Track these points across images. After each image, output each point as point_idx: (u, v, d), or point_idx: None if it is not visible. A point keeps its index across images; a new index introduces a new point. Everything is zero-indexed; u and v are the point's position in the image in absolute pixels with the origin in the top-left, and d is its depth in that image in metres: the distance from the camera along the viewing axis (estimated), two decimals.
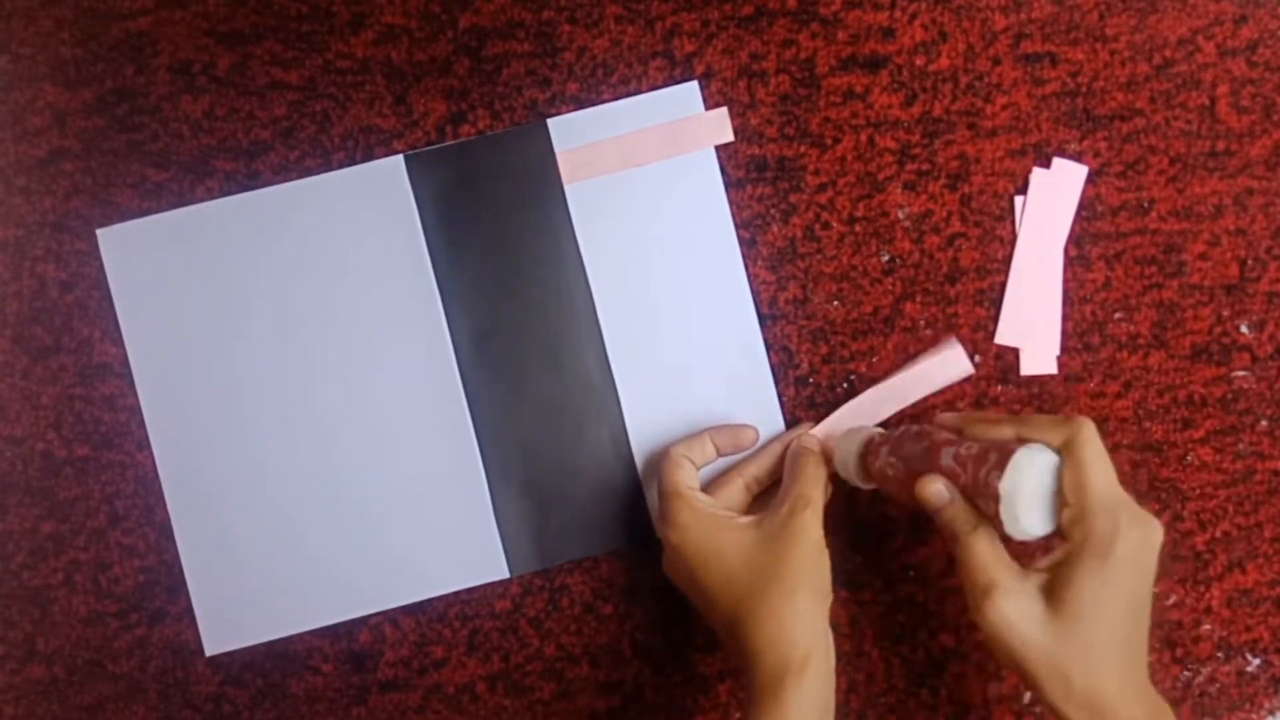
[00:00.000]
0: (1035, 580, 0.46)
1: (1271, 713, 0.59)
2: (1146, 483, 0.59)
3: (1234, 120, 0.60)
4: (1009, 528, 0.45)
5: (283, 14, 0.59)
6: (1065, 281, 0.59)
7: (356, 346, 0.58)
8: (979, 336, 0.59)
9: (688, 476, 0.54)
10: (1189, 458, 0.59)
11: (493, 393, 0.58)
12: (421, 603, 0.58)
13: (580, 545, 0.58)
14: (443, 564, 0.58)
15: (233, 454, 0.58)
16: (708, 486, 0.55)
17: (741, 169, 0.59)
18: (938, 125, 0.59)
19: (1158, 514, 0.59)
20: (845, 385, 0.59)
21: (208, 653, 0.58)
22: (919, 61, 0.59)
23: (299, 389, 0.58)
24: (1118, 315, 0.59)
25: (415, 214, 0.58)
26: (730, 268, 0.59)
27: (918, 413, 0.58)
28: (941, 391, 0.58)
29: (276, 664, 0.58)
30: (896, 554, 0.59)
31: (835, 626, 0.58)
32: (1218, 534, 0.59)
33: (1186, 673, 0.59)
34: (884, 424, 0.57)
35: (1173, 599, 0.59)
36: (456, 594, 0.58)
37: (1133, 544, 0.44)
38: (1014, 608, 0.45)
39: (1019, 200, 0.59)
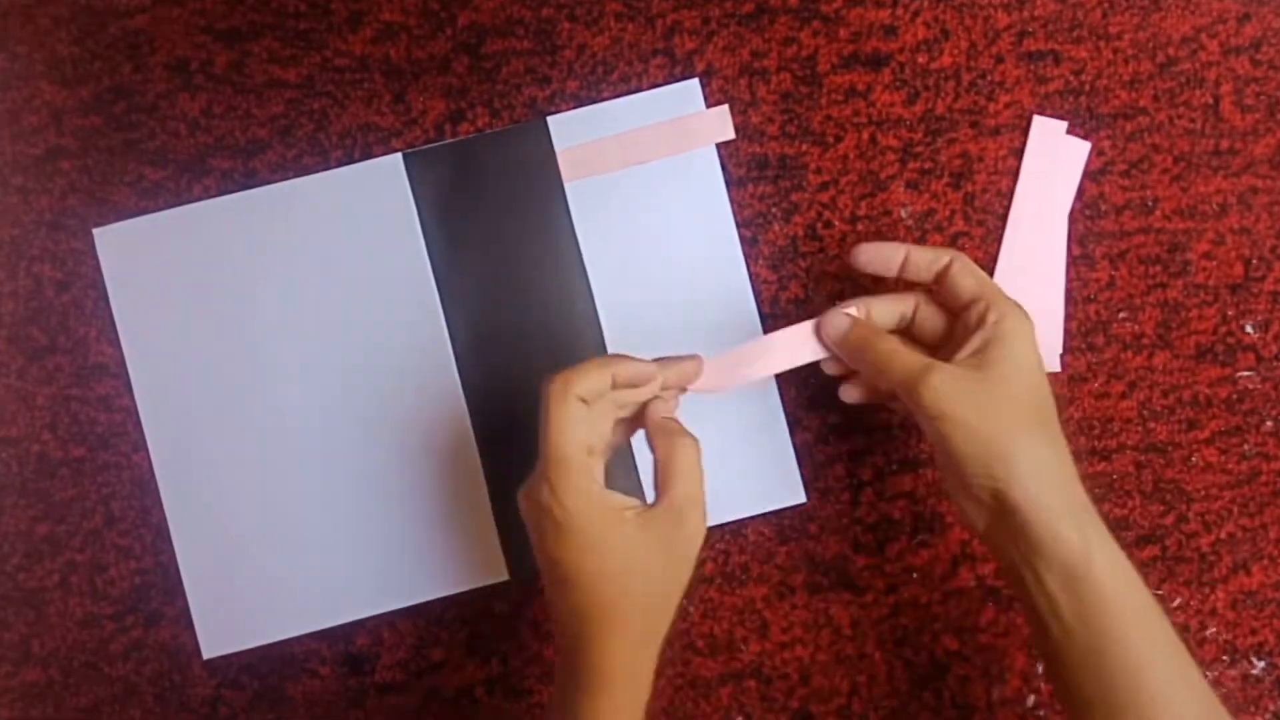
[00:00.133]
0: (956, 365, 0.48)
1: (1277, 716, 0.58)
2: (1151, 483, 0.59)
3: (1238, 119, 0.59)
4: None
5: (280, 11, 0.58)
6: (1069, 280, 0.59)
7: (355, 346, 0.58)
8: None
9: (580, 431, 0.46)
10: (1194, 459, 0.59)
11: (492, 392, 0.58)
12: (420, 605, 0.58)
13: None
14: (442, 566, 0.58)
15: (229, 455, 0.58)
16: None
17: (743, 167, 0.59)
18: (940, 123, 0.59)
19: (1161, 515, 0.59)
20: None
21: (205, 656, 0.58)
22: (921, 59, 0.59)
23: (296, 389, 0.58)
24: (1122, 315, 0.59)
25: (414, 213, 0.58)
26: (731, 267, 0.58)
27: None
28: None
29: (274, 667, 0.58)
30: (899, 556, 0.58)
31: (837, 629, 0.58)
32: (1223, 535, 0.59)
33: None
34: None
35: (1177, 601, 0.59)
36: (455, 596, 0.58)
37: (1028, 328, 0.49)
38: (948, 379, 0.47)
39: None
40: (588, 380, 0.46)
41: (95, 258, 0.58)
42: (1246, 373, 0.59)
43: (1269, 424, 0.59)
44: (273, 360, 0.58)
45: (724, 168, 0.58)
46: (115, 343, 0.58)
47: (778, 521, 0.58)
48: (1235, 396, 0.59)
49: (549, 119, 0.58)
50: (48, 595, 0.58)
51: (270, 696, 0.58)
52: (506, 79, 0.59)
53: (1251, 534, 0.59)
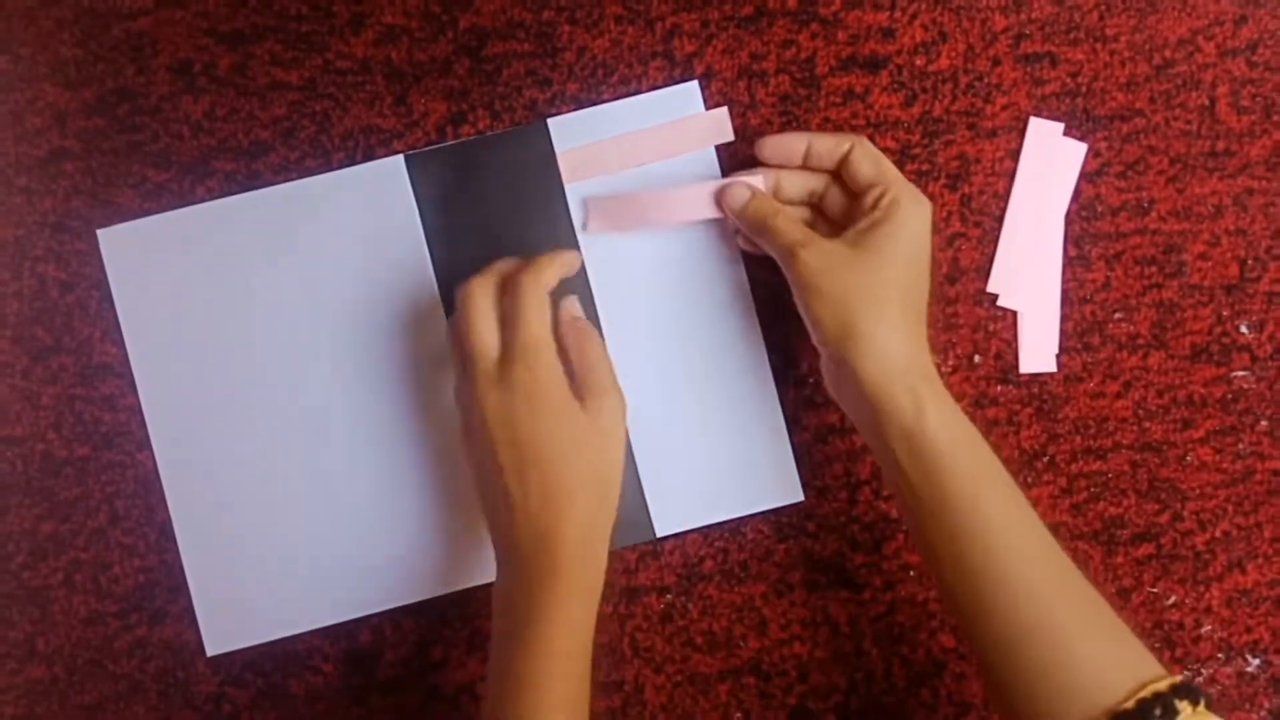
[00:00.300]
0: (839, 239, 0.52)
1: (1272, 713, 0.59)
2: (1146, 483, 0.59)
3: (1234, 120, 0.60)
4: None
5: (283, 14, 0.59)
6: (1065, 281, 0.59)
7: (357, 347, 0.58)
8: (979, 336, 0.59)
9: (547, 317, 0.51)
10: (1188, 458, 0.59)
11: None
12: (422, 603, 0.58)
13: None
14: (444, 564, 0.58)
15: (233, 454, 0.58)
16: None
17: (742, 169, 0.59)
18: (937, 125, 0.59)
19: (1157, 514, 0.59)
20: None
21: (209, 653, 0.58)
22: (919, 62, 0.59)
23: (299, 389, 0.58)
24: (1117, 315, 0.59)
25: (416, 214, 0.58)
26: (731, 268, 0.59)
27: None
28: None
29: (277, 664, 0.58)
30: (896, 554, 0.59)
31: (835, 626, 0.58)
32: (1217, 534, 0.59)
33: (1187, 673, 0.59)
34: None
35: (1172, 599, 0.59)
36: (457, 594, 0.58)
37: (926, 214, 0.52)
38: (819, 254, 0.51)
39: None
40: (553, 272, 0.52)
41: (99, 258, 0.58)
42: (1241, 373, 0.60)
43: (1263, 424, 0.59)
44: (275, 361, 0.58)
45: (723, 170, 0.59)
46: (119, 343, 0.58)
47: (776, 519, 0.59)
48: (1230, 396, 0.59)
49: (549, 121, 0.58)
50: (52, 593, 0.58)
51: (273, 693, 0.58)
52: (507, 81, 0.59)
53: (1246, 533, 0.59)
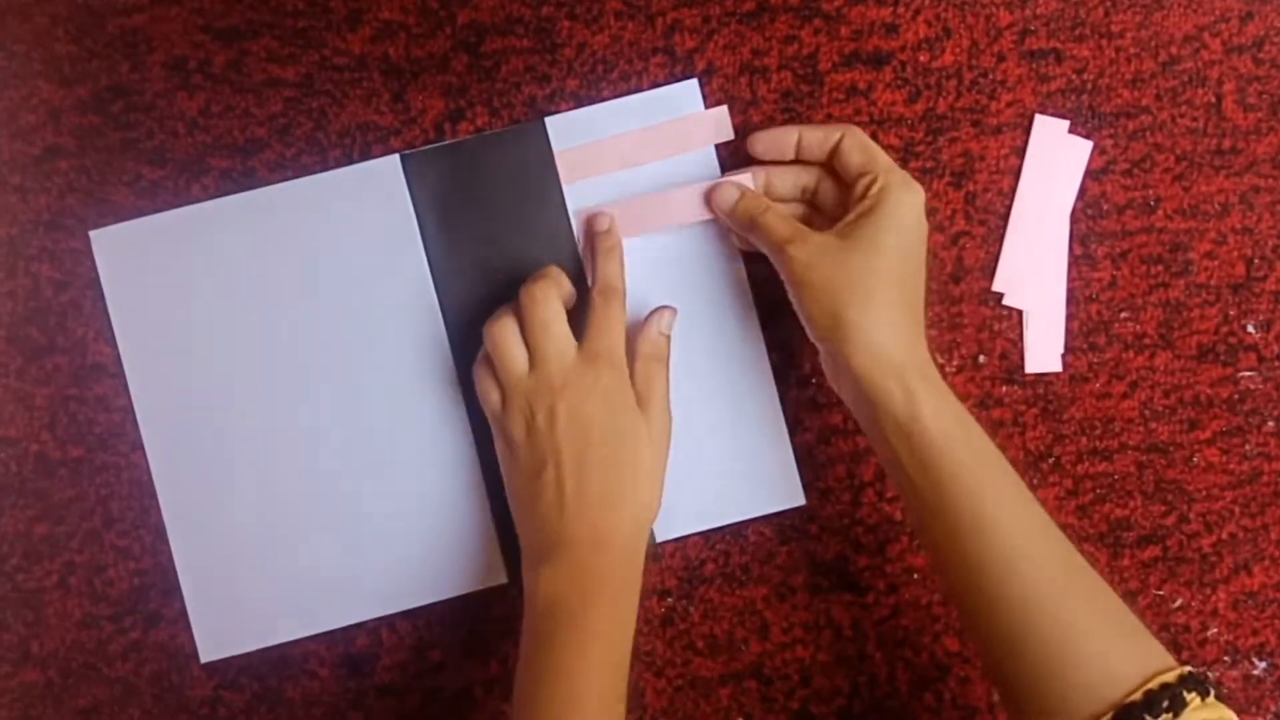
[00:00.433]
0: (829, 232, 0.52)
1: (1279, 716, 0.58)
2: (1152, 483, 0.59)
3: (1240, 118, 0.59)
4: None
5: (279, 10, 0.58)
6: (1070, 280, 0.59)
7: (352, 348, 0.58)
8: (983, 336, 0.59)
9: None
10: (1195, 459, 0.59)
11: None
12: (419, 607, 0.58)
13: None
14: (441, 570, 0.58)
15: (227, 457, 0.58)
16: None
17: (742, 167, 0.58)
18: (941, 122, 0.59)
19: (1163, 515, 0.59)
20: None
21: (203, 660, 0.57)
22: (922, 58, 0.59)
23: (293, 391, 0.58)
24: (1123, 315, 0.59)
25: (411, 214, 0.58)
26: (730, 267, 0.58)
27: None
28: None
29: (273, 668, 0.58)
30: (900, 556, 0.58)
31: (838, 629, 0.58)
32: (1224, 536, 0.59)
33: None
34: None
35: (1179, 601, 0.58)
36: (455, 598, 0.58)
37: (919, 201, 0.52)
38: (808, 248, 0.51)
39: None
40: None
41: (93, 258, 0.58)
42: (1248, 373, 0.59)
43: (1270, 424, 0.59)
44: (269, 362, 0.58)
45: (724, 168, 0.58)
46: (113, 343, 0.58)
47: (778, 522, 0.58)
48: (1237, 397, 0.59)
49: (547, 120, 0.58)
50: (46, 596, 0.58)
51: (269, 698, 0.58)
52: (506, 78, 0.58)
53: (1253, 534, 0.59)
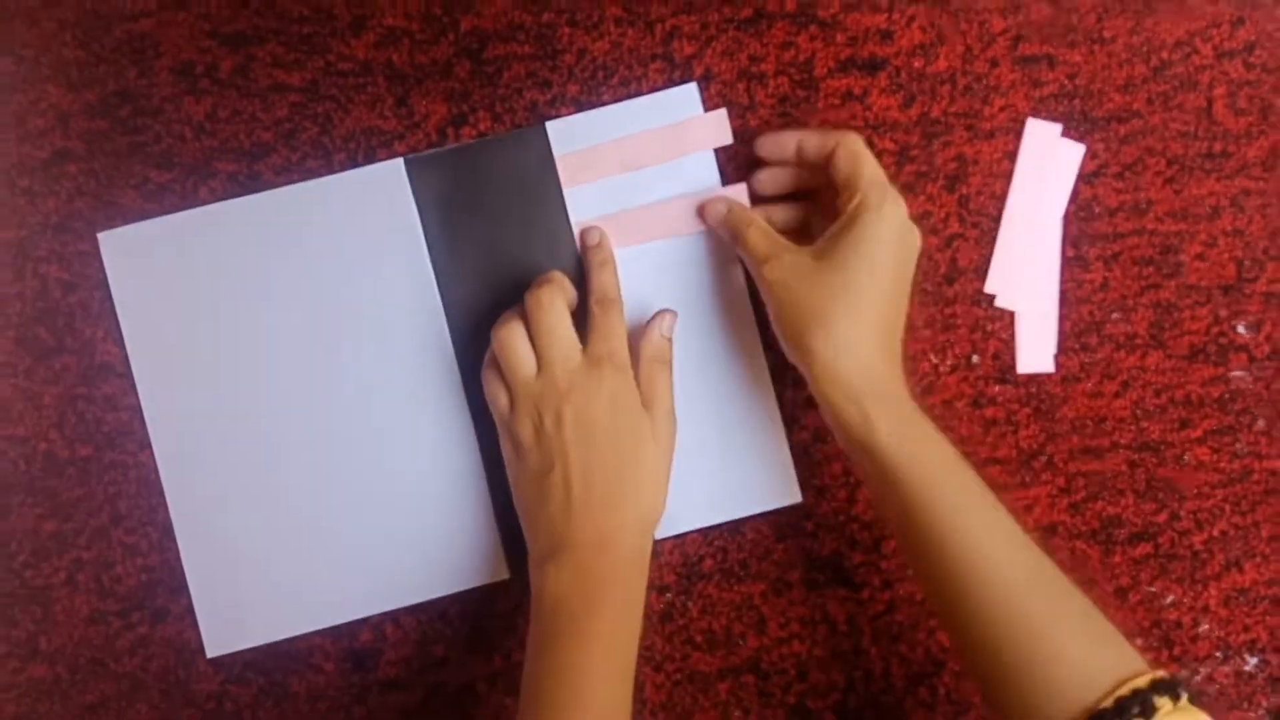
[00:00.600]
0: (807, 250, 0.52)
1: (1270, 712, 0.59)
2: (1144, 482, 0.59)
3: (1231, 122, 0.60)
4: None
5: (284, 16, 0.59)
6: (1063, 281, 0.59)
7: (357, 349, 0.59)
8: (976, 336, 0.59)
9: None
10: (1186, 457, 0.59)
11: None
12: (422, 602, 0.58)
13: None
14: (444, 565, 0.58)
15: (233, 456, 0.58)
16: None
17: (741, 171, 0.59)
18: (936, 127, 0.59)
19: (1154, 513, 0.59)
20: None
21: (209, 655, 0.58)
22: (917, 63, 0.60)
23: (299, 391, 0.58)
24: (1115, 315, 0.60)
25: (416, 218, 0.59)
26: (728, 268, 0.59)
27: None
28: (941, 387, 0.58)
29: (278, 663, 0.58)
30: (895, 553, 0.59)
31: (834, 625, 0.58)
32: (1215, 533, 0.59)
33: (1184, 672, 0.59)
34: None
35: (1170, 598, 0.59)
36: (458, 593, 0.58)
37: (899, 218, 0.51)
38: (782, 266, 0.52)
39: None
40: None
41: (101, 260, 0.59)
42: (1239, 373, 0.60)
43: (1260, 423, 0.60)
44: (275, 363, 0.58)
45: (723, 172, 0.59)
46: (121, 343, 0.59)
47: (775, 518, 0.59)
48: (1227, 396, 0.60)
49: (548, 124, 0.59)
50: (54, 592, 0.58)
51: (275, 692, 0.58)
52: (508, 83, 0.59)
53: (1244, 532, 0.59)
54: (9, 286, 0.59)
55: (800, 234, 0.57)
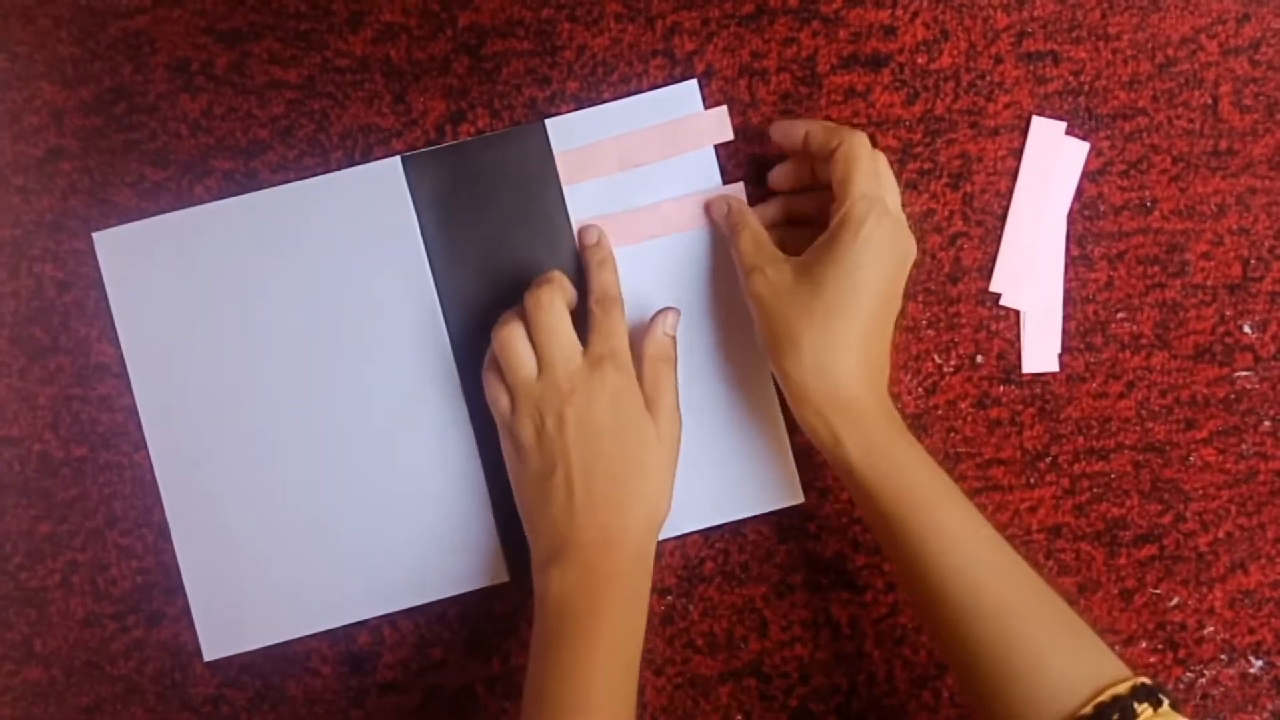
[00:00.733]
0: (793, 262, 0.52)
1: (1275, 715, 0.59)
2: (1149, 483, 0.59)
3: (1236, 119, 0.59)
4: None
5: (281, 12, 0.59)
6: (1067, 281, 0.59)
7: (354, 349, 0.58)
8: (981, 336, 0.59)
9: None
10: (1192, 458, 0.59)
11: None
12: (420, 605, 0.58)
13: None
14: (443, 568, 0.58)
15: (229, 457, 0.58)
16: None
17: (743, 168, 0.59)
18: (940, 124, 0.59)
19: (1159, 514, 0.59)
20: None
21: (206, 659, 0.58)
22: (921, 60, 0.59)
23: (295, 392, 0.58)
24: (1120, 315, 0.59)
25: (413, 216, 0.58)
26: (729, 269, 0.58)
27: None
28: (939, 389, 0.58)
29: (275, 666, 0.58)
30: None
31: (836, 627, 0.58)
32: (1220, 535, 0.59)
33: (1189, 674, 0.59)
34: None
35: (1175, 600, 0.59)
36: (456, 596, 0.58)
37: (883, 234, 0.50)
38: (766, 281, 0.52)
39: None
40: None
41: (96, 258, 0.58)
42: (1244, 373, 0.59)
43: (1266, 424, 0.59)
44: (272, 363, 0.58)
45: (723, 169, 0.58)
46: (116, 343, 0.58)
47: (777, 520, 0.59)
48: (1233, 396, 0.59)
49: (547, 121, 0.58)
50: (49, 595, 0.58)
51: (271, 695, 0.58)
52: (507, 80, 0.59)
53: (1249, 533, 0.59)
54: (3, 286, 0.58)
55: (820, 224, 0.56)
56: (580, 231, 0.58)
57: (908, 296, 0.58)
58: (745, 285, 0.53)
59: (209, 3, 0.59)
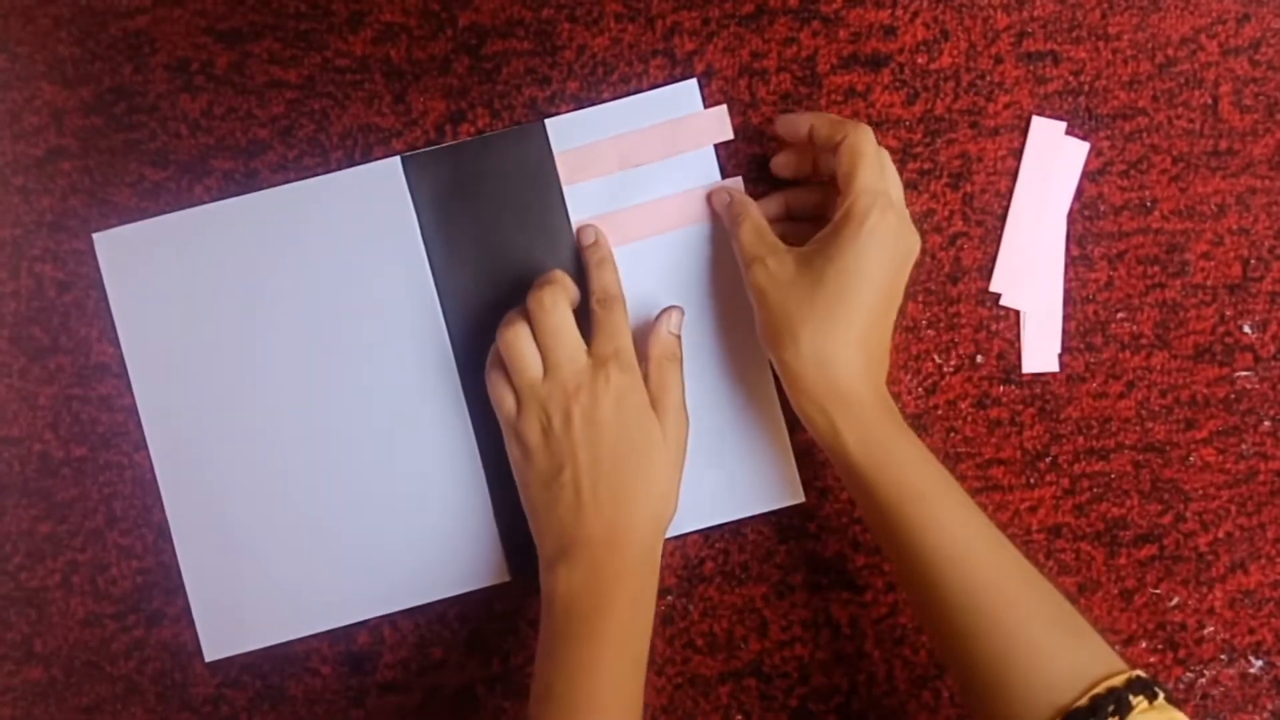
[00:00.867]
0: (794, 253, 0.52)
1: (1275, 715, 0.59)
2: (1149, 483, 0.59)
3: (1236, 119, 0.59)
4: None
5: (281, 12, 0.59)
6: (1067, 281, 0.59)
7: (354, 349, 0.58)
8: (981, 336, 0.59)
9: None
10: (1191, 458, 0.59)
11: None
12: (421, 605, 0.58)
13: None
14: (443, 568, 0.58)
15: (230, 456, 0.58)
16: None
17: (743, 168, 0.59)
18: (940, 124, 0.59)
19: (1159, 514, 0.59)
20: None
21: (207, 659, 0.58)
22: (921, 60, 0.59)
23: (296, 392, 0.58)
24: (1120, 315, 0.59)
25: (413, 216, 0.58)
26: (730, 267, 0.58)
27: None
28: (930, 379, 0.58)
29: (275, 666, 0.58)
30: None
31: (836, 627, 0.58)
32: (1220, 535, 0.59)
33: (1189, 674, 0.59)
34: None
35: (1175, 600, 0.59)
36: (456, 595, 0.58)
37: (887, 228, 0.50)
38: (767, 272, 0.52)
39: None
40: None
41: (96, 258, 0.58)
42: (1244, 373, 0.59)
43: (1267, 424, 0.59)
44: (272, 363, 0.58)
45: (723, 169, 0.58)
46: (116, 343, 0.58)
47: (777, 520, 0.59)
48: (1233, 396, 0.59)
49: (547, 121, 0.58)
50: (49, 594, 0.58)
51: (272, 695, 0.58)
52: (507, 80, 0.59)
53: (1249, 533, 0.59)
54: (3, 286, 0.58)
55: (821, 219, 0.56)
56: (578, 231, 0.58)
57: (908, 296, 0.58)
58: (746, 276, 0.53)
59: (209, 3, 0.59)
